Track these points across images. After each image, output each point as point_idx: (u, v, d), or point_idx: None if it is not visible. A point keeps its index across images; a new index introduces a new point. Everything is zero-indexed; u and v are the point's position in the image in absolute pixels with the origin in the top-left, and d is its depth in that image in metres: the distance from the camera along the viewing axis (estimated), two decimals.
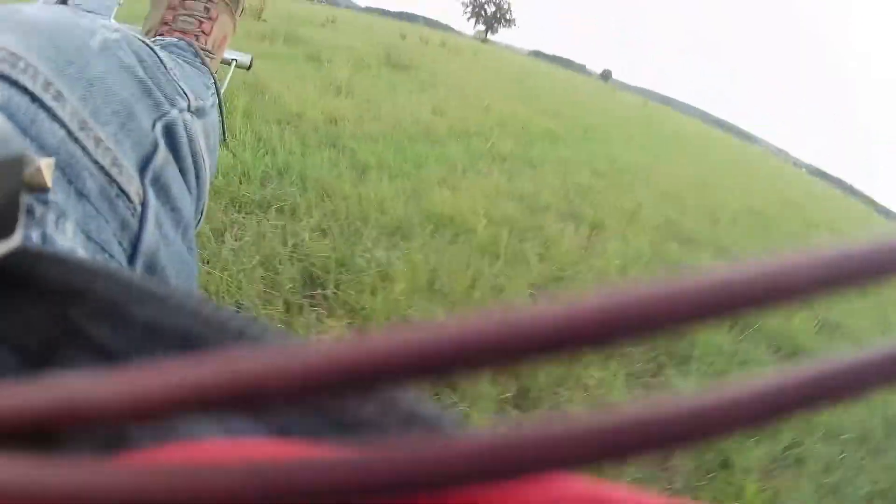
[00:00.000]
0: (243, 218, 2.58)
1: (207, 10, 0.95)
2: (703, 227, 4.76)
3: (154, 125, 0.51)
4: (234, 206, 2.69)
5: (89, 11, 0.95)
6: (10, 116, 0.34)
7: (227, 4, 0.99)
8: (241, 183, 2.94)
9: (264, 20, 9.88)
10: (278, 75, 5.78)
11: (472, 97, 7.88)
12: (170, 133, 0.53)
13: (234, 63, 1.16)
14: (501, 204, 3.54)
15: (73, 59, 0.42)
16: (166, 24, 0.92)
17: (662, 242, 3.81)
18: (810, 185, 23.13)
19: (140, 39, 0.54)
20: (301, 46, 8.37)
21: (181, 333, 0.21)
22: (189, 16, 0.93)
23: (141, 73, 0.51)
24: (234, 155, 3.31)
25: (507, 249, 2.81)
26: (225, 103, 0.82)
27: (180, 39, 0.86)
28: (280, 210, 2.71)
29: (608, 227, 3.70)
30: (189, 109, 0.59)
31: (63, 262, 0.24)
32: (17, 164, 0.25)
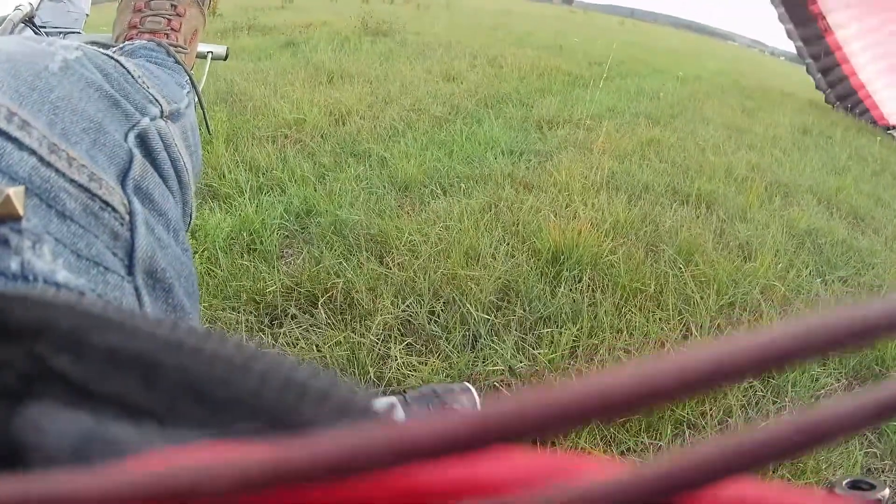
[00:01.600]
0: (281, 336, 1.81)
1: (174, 6, 0.94)
2: None
3: (126, 136, 0.52)
4: (260, 313, 1.89)
5: (57, 28, 1.03)
6: None
7: None
8: (253, 258, 2.16)
9: (220, 14, 9.37)
10: (256, 75, 4.88)
11: (470, 52, 6.99)
12: (143, 142, 0.55)
13: (209, 56, 1.14)
14: None
15: (35, 85, 0.43)
16: (134, 27, 0.92)
17: None
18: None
19: (104, 53, 0.57)
20: (270, 35, 7.69)
21: (139, 357, 0.21)
22: (156, 15, 0.92)
23: (107, 87, 0.53)
24: (230, 210, 2.40)
25: None
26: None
27: (150, 41, 0.86)
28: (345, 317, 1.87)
29: None
30: (162, 115, 0.61)
31: (24, 299, 0.24)
32: None
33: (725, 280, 2.32)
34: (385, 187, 2.80)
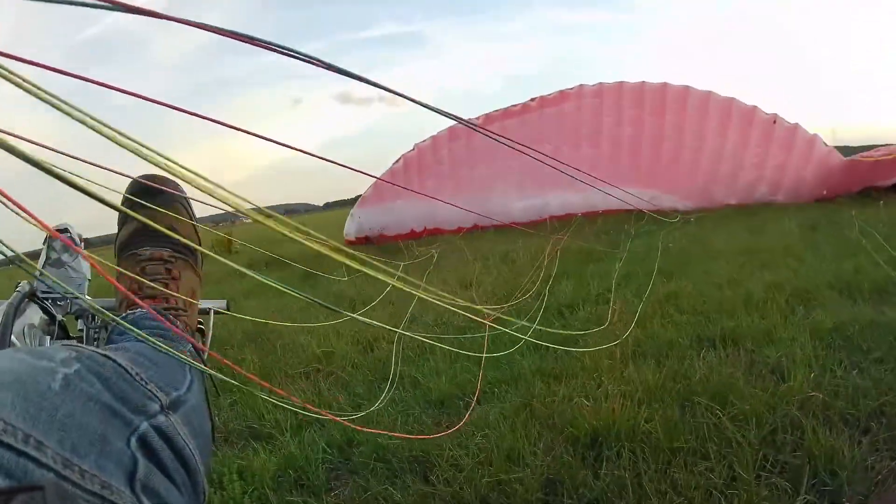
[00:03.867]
0: None
1: (169, 271, 1.02)
2: None
3: (129, 442, 0.58)
4: None
5: (60, 295, 1.05)
6: (7, 474, 0.41)
7: (186, 260, 1.08)
8: (301, 493, 2.33)
9: (236, 251, 9.84)
10: (281, 312, 5.35)
11: (481, 253, 7.27)
12: (145, 444, 0.60)
13: (211, 312, 1.19)
14: None
15: (42, 406, 0.49)
16: (133, 293, 0.97)
17: None
18: None
19: (101, 354, 0.64)
20: (289, 269, 7.95)
21: None
22: (153, 281, 0.99)
23: (106, 396, 0.58)
24: (273, 449, 2.56)
25: None
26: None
27: (151, 308, 0.90)
28: None
29: None
30: (163, 409, 0.66)
31: None
32: None
33: (763, 409, 2.38)
34: (421, 406, 2.93)
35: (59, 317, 1.07)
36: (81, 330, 1.15)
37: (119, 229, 1.11)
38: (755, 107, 9.89)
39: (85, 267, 1.19)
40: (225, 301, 1.28)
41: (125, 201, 1.07)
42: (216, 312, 1.25)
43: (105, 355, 0.63)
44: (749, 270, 4.96)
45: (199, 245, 1.13)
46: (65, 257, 1.17)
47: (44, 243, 1.16)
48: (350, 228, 11.46)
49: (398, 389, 3.18)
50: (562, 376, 3.06)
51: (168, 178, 1.11)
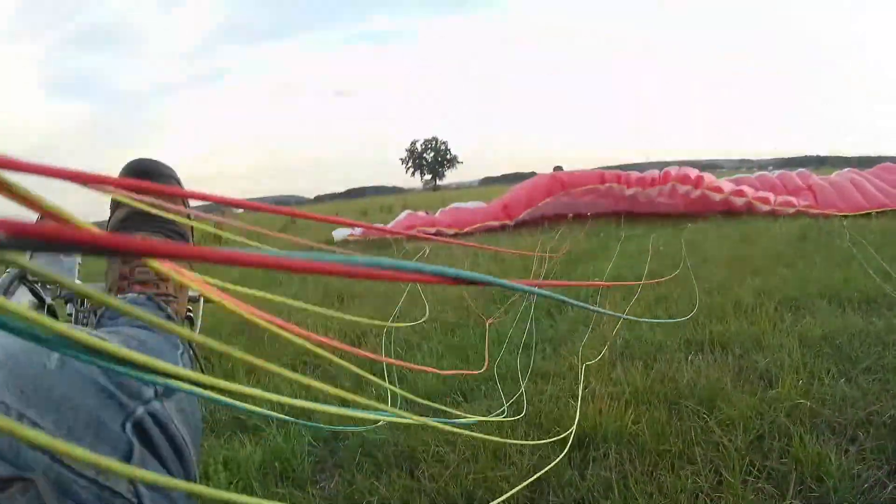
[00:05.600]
0: None
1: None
2: None
3: (124, 426, 0.57)
4: None
5: (48, 281, 1.01)
6: None
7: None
8: (286, 485, 2.33)
9: (226, 241, 9.61)
10: (269, 304, 5.12)
11: (472, 250, 7.28)
12: (140, 430, 0.59)
13: (201, 300, 1.16)
14: None
15: (38, 385, 0.48)
16: (125, 278, 0.94)
17: None
18: None
19: (98, 336, 0.62)
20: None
21: None
22: (144, 266, 0.92)
23: (102, 379, 0.57)
24: (259, 441, 2.54)
25: None
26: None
27: (140, 294, 0.90)
28: None
29: None
30: (157, 395, 0.65)
31: None
32: None
33: (750, 415, 2.38)
34: (408, 403, 2.91)
35: (49, 300, 1.06)
36: (71, 314, 1.13)
37: (111, 213, 1.09)
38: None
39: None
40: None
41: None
42: (206, 301, 1.23)
43: (99, 336, 0.60)
44: (739, 276, 4.97)
45: (192, 231, 1.13)
46: None
47: None
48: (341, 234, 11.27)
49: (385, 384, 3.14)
50: (550, 375, 3.06)
51: (160, 162, 1.11)
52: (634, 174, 10.65)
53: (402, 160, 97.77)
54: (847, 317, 3.56)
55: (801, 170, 11.78)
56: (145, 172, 1.08)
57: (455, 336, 3.99)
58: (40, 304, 1.02)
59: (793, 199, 9.62)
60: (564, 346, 3.55)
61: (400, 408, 2.82)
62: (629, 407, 2.54)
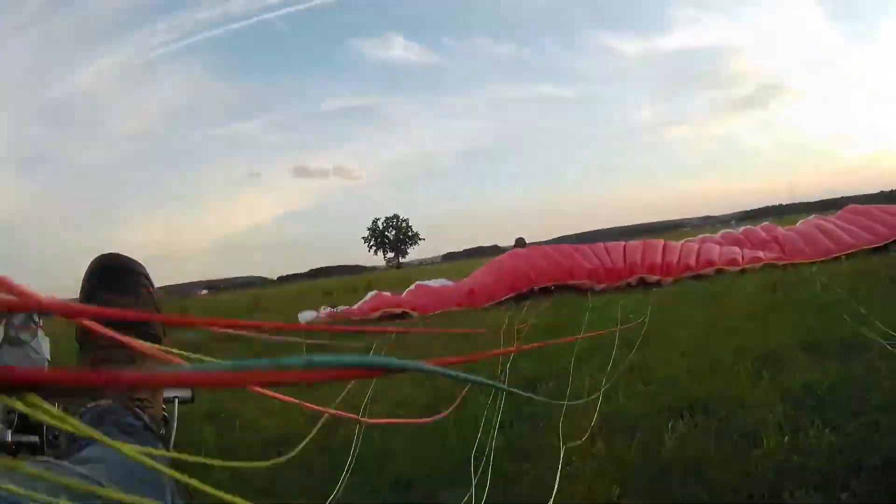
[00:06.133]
0: None
1: (133, 359, 0.95)
2: None
3: None
4: None
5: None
6: None
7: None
8: None
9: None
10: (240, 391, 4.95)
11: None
12: None
13: (176, 400, 1.16)
14: None
15: None
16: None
17: None
18: None
19: (75, 473, 0.65)
20: (245, 342, 7.89)
21: None
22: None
23: None
24: None
25: None
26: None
27: (115, 401, 0.88)
28: None
29: None
30: None
31: None
32: None
33: (737, 477, 2.32)
34: (390, 491, 2.80)
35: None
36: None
37: None
38: None
39: (45, 347, 1.14)
40: (190, 390, 1.24)
41: (87, 280, 1.05)
42: (180, 402, 1.21)
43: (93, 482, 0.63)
44: (715, 335, 4.96)
45: (164, 332, 1.11)
46: (24, 336, 1.11)
47: (0, 322, 1.09)
48: (307, 317, 11.05)
49: (365, 473, 3.01)
50: (529, 455, 2.94)
51: (127, 258, 1.10)
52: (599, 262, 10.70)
53: (365, 239, 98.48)
54: (826, 365, 3.54)
55: (764, 222, 12.03)
56: (113, 269, 1.06)
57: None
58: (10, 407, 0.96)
59: (760, 254, 9.76)
60: (543, 421, 3.45)
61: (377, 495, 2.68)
62: (615, 483, 2.46)
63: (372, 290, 11.97)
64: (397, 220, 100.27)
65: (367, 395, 4.10)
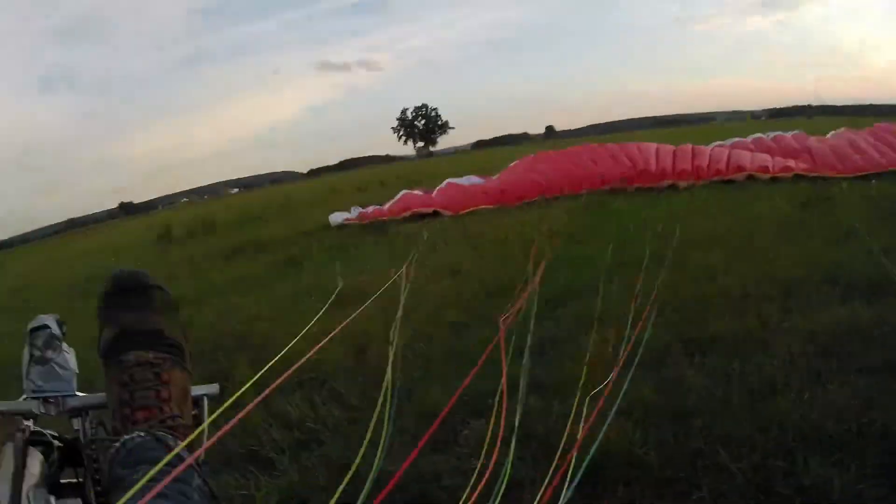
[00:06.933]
0: None
1: (157, 375, 0.98)
2: None
3: None
4: None
5: (51, 393, 1.08)
6: None
7: (174, 359, 1.03)
8: None
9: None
10: (270, 308, 5.41)
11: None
12: None
13: (204, 399, 1.17)
14: None
15: None
16: (127, 404, 0.95)
17: None
18: None
19: None
20: (271, 252, 8.51)
21: None
22: (143, 389, 0.96)
23: None
24: (272, 476, 2.65)
25: None
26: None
27: (147, 434, 0.88)
28: None
29: None
30: None
31: None
32: None
33: (754, 433, 2.42)
34: (417, 422, 2.83)
35: (56, 443, 1.05)
36: (78, 430, 1.12)
37: (100, 332, 1.07)
38: None
39: (71, 361, 1.13)
40: (217, 385, 1.23)
41: (102, 300, 1.06)
42: (209, 398, 1.19)
43: None
44: (745, 258, 5.00)
45: (186, 338, 1.11)
46: (49, 353, 1.10)
47: (25, 341, 1.10)
48: (337, 219, 11.10)
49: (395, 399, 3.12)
50: (557, 389, 3.03)
51: (142, 273, 1.10)
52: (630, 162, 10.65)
53: (394, 129, 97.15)
54: (855, 304, 3.61)
55: (795, 132, 11.75)
56: (128, 289, 1.07)
57: (460, 340, 3.97)
58: (49, 452, 1.02)
59: (791, 163, 9.61)
60: (572, 342, 3.56)
61: (406, 425, 2.80)
62: (639, 426, 2.57)
63: (403, 190, 11.95)
64: (426, 110, 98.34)
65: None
